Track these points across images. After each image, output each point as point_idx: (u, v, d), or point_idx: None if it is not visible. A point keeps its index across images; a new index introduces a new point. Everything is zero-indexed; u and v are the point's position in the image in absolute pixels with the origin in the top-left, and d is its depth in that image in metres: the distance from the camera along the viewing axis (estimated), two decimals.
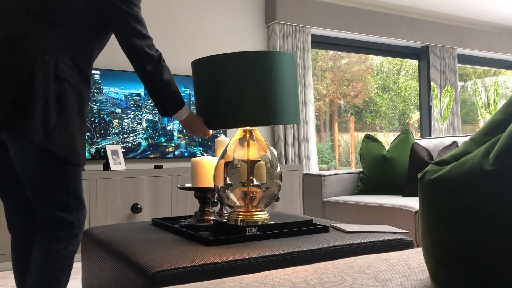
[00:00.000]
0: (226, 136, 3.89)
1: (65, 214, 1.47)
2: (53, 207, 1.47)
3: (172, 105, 1.65)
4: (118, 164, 3.46)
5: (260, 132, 1.67)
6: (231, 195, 1.58)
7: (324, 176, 3.10)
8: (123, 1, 1.53)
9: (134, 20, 1.56)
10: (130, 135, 3.67)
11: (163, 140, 3.81)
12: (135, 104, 3.70)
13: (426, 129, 5.63)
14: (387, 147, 3.17)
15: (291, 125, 4.41)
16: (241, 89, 1.49)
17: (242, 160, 1.59)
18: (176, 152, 3.86)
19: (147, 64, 1.60)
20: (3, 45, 1.42)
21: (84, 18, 1.50)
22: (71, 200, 1.49)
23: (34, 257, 1.46)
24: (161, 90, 1.63)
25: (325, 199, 3.04)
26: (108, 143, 3.57)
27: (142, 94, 3.72)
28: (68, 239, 1.48)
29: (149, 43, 1.61)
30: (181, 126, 3.83)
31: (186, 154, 3.91)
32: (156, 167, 3.60)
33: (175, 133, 3.86)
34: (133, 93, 3.69)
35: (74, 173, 1.49)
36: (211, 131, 1.70)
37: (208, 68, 1.58)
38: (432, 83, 5.23)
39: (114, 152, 3.49)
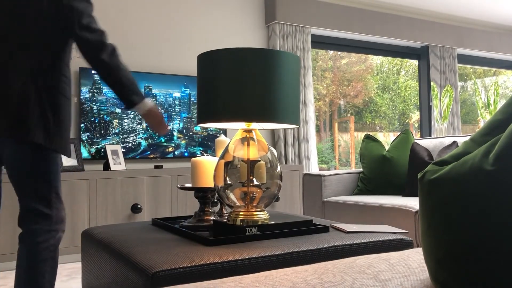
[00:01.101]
0: (226, 136, 3.89)
1: (45, 209, 1.66)
2: (36, 201, 1.65)
3: (137, 94, 1.76)
4: (118, 164, 3.46)
5: (260, 132, 1.67)
6: (231, 195, 1.58)
7: (324, 176, 3.10)
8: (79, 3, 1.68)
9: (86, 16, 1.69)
10: (130, 135, 3.67)
11: (163, 140, 3.81)
12: None
13: (426, 129, 5.63)
14: (387, 147, 3.17)
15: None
16: (243, 85, 1.49)
17: (242, 160, 1.59)
18: (176, 152, 3.86)
19: (102, 54, 1.68)
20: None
21: (53, 31, 1.68)
22: (52, 196, 1.68)
23: (19, 252, 1.63)
24: (122, 79, 1.73)
25: (325, 199, 3.04)
26: (108, 143, 3.57)
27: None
28: (48, 232, 1.65)
29: (102, 35, 1.71)
30: (180, 127, 3.83)
31: (186, 154, 3.91)
32: (156, 167, 3.60)
33: (175, 133, 3.86)
34: None
35: (59, 167, 1.73)
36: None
37: (212, 61, 1.58)
38: (432, 83, 5.23)
39: (114, 152, 3.49)
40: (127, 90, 1.73)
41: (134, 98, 1.75)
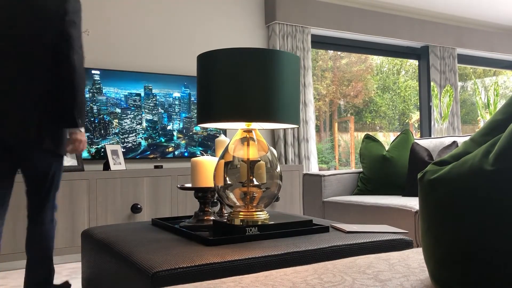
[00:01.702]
0: (226, 136, 3.89)
1: (54, 201, 2.06)
2: (53, 196, 2.04)
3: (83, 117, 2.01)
4: (118, 164, 3.46)
5: (260, 132, 1.67)
6: (231, 195, 1.58)
7: (324, 176, 3.10)
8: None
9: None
10: (130, 135, 3.67)
11: (163, 140, 3.81)
12: (135, 104, 3.70)
13: (426, 129, 5.63)
14: (387, 147, 3.17)
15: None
16: (243, 85, 1.49)
17: (242, 160, 1.59)
18: (176, 152, 3.86)
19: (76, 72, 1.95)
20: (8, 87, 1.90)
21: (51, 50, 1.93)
22: (56, 192, 2.08)
23: (35, 232, 1.99)
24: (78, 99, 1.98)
25: (325, 199, 3.04)
26: (108, 143, 3.57)
27: (142, 94, 3.72)
28: (53, 219, 2.06)
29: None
30: (180, 127, 3.83)
31: (186, 154, 3.91)
32: (156, 167, 3.60)
33: (175, 133, 3.86)
34: (133, 93, 3.69)
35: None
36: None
37: (212, 61, 1.58)
38: (432, 83, 5.23)
39: (114, 152, 3.49)
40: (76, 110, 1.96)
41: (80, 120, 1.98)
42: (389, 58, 6.62)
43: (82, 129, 1.99)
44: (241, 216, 1.55)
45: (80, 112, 1.92)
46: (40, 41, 1.89)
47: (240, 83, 1.49)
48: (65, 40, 1.89)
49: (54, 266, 3.04)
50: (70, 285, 2.22)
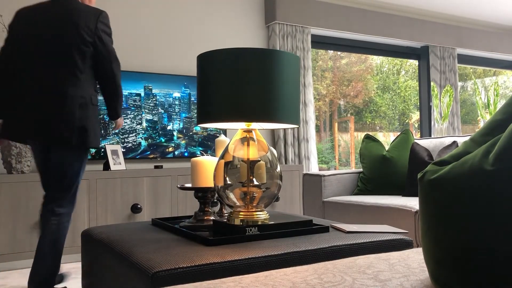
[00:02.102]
0: (226, 136, 3.89)
1: (74, 198, 2.25)
2: (73, 190, 2.23)
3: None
4: (118, 164, 3.46)
5: (260, 132, 1.67)
6: (231, 195, 1.58)
7: (324, 176, 3.10)
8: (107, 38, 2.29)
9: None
10: (130, 135, 3.67)
11: (163, 140, 3.81)
12: (135, 104, 3.70)
13: (426, 129, 5.63)
14: (387, 147, 3.17)
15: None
16: (243, 85, 1.49)
17: (242, 160, 1.59)
18: (176, 152, 3.86)
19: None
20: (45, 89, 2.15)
21: (89, 56, 2.22)
22: (76, 190, 2.26)
23: (49, 224, 2.15)
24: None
25: (325, 199, 3.04)
26: (108, 143, 3.57)
27: (142, 94, 3.72)
28: (70, 215, 2.23)
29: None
30: (180, 127, 3.83)
31: (186, 154, 3.91)
32: (156, 167, 3.60)
33: (175, 133, 3.86)
34: (133, 93, 3.69)
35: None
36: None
37: (211, 61, 1.58)
38: (432, 83, 5.23)
39: (114, 152, 3.49)
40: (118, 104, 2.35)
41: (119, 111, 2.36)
42: (389, 58, 6.62)
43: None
44: (241, 216, 1.55)
45: (121, 106, 2.34)
46: (73, 47, 2.17)
47: (240, 83, 1.49)
48: (104, 52, 2.21)
49: None
50: None
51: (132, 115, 3.68)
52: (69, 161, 2.17)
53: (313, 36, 4.77)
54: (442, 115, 5.19)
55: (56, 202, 2.17)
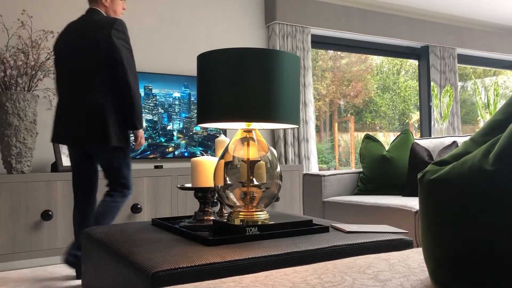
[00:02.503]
0: (226, 136, 3.89)
1: (125, 181, 2.54)
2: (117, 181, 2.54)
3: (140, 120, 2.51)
4: None
5: (260, 132, 1.67)
6: (231, 195, 1.58)
7: (324, 176, 3.10)
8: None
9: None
10: (130, 135, 3.66)
11: (163, 140, 3.81)
12: None
13: (426, 129, 5.63)
14: (387, 147, 3.17)
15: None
16: (243, 85, 1.49)
17: (242, 160, 1.59)
18: (176, 152, 3.86)
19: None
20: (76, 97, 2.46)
21: (106, 63, 2.42)
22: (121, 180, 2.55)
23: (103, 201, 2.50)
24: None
25: (325, 199, 3.04)
26: None
27: (142, 94, 3.72)
28: (124, 196, 2.54)
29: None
30: (180, 127, 3.83)
31: (186, 154, 3.91)
32: (156, 167, 3.60)
33: (175, 133, 3.86)
34: None
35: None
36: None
37: (211, 61, 1.58)
38: (432, 83, 5.23)
39: None
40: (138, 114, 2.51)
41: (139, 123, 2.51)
42: (389, 58, 6.62)
43: (141, 130, 2.54)
44: (241, 216, 1.55)
45: (138, 118, 2.44)
46: (96, 63, 2.40)
47: (240, 83, 1.49)
48: (119, 64, 2.36)
49: (55, 266, 3.05)
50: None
51: None
52: (104, 159, 2.50)
53: (313, 36, 4.77)
54: (442, 115, 5.19)
55: (109, 188, 2.56)
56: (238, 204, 1.58)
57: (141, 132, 2.56)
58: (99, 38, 2.38)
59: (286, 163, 4.37)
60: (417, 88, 5.85)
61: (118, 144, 2.43)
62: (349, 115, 6.75)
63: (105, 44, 2.37)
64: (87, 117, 2.41)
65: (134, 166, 3.77)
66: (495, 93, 5.16)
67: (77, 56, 2.44)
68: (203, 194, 1.74)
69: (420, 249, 1.13)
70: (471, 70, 7.09)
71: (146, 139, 3.74)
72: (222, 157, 1.60)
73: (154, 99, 3.77)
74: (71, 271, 2.86)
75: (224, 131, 3.98)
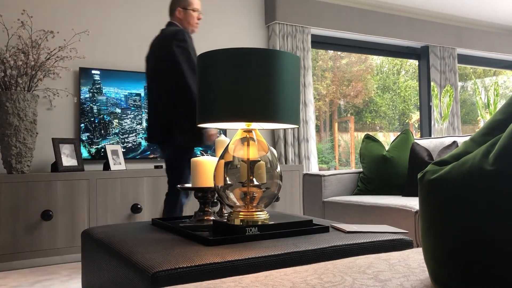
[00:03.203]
0: (226, 136, 3.88)
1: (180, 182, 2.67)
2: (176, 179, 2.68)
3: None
4: (118, 164, 3.46)
5: (260, 132, 1.67)
6: (231, 195, 1.58)
7: (324, 176, 3.09)
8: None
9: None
10: (130, 135, 3.67)
11: None
12: (135, 104, 3.70)
13: (426, 129, 5.63)
14: (387, 147, 3.17)
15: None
16: (243, 85, 1.49)
17: (242, 160, 1.59)
18: None
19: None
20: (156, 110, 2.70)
21: (172, 72, 2.59)
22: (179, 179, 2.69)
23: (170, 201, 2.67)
24: None
25: (325, 199, 3.03)
26: (108, 143, 3.57)
27: (142, 94, 3.72)
28: (178, 197, 2.64)
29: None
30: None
31: None
32: (156, 167, 3.60)
33: None
34: (133, 93, 3.69)
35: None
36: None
37: (212, 61, 1.58)
38: (432, 83, 5.23)
39: (114, 152, 3.49)
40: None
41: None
42: (389, 58, 6.62)
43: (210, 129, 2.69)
44: (241, 216, 1.55)
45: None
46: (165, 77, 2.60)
47: (240, 83, 1.48)
48: (177, 66, 2.54)
49: (55, 266, 3.05)
50: None
51: (132, 115, 3.68)
52: (169, 157, 2.69)
53: (313, 36, 4.77)
54: (442, 115, 5.19)
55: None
56: (238, 204, 1.58)
57: (211, 129, 2.69)
58: (163, 49, 2.58)
59: (286, 163, 4.37)
60: (417, 88, 5.85)
61: (180, 143, 2.62)
62: (349, 115, 6.75)
63: (167, 53, 2.55)
64: (161, 122, 2.66)
65: (134, 166, 3.77)
66: (495, 93, 5.16)
67: (154, 66, 2.68)
68: (203, 194, 1.74)
69: (420, 249, 1.14)
70: (471, 70, 7.09)
71: (146, 139, 3.75)
72: (222, 157, 1.60)
73: None
74: (72, 270, 2.86)
75: (224, 131, 3.98)
